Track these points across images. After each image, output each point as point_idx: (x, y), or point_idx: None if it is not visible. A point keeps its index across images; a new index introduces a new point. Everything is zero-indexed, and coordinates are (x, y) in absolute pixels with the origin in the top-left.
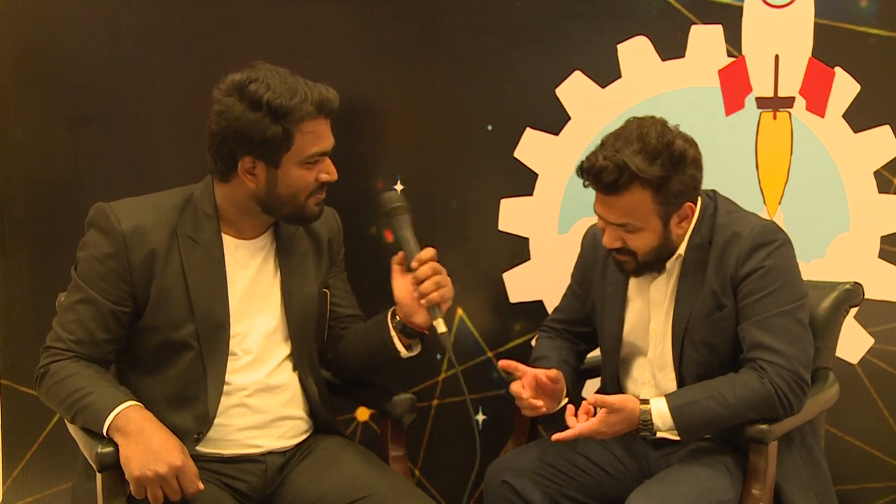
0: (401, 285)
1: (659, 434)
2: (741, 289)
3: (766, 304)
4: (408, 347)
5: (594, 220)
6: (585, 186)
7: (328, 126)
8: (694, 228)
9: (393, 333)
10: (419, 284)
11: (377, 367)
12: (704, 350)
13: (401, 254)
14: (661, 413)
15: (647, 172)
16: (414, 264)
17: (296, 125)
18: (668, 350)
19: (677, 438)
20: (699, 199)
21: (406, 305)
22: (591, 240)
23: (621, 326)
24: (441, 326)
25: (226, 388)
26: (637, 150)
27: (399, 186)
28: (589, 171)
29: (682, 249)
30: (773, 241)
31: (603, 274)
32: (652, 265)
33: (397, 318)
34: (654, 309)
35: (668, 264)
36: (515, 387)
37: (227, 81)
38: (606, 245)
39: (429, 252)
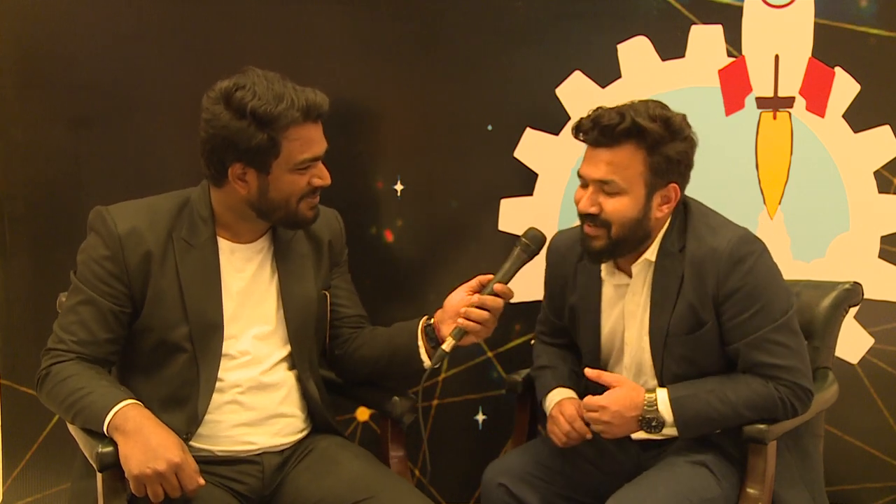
0: (459, 295)
1: (665, 429)
2: (725, 309)
3: (757, 322)
4: (430, 356)
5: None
6: (580, 139)
7: (318, 130)
8: (665, 233)
9: (420, 343)
10: (474, 306)
11: (393, 372)
12: (685, 364)
13: (488, 277)
14: (664, 402)
15: (647, 126)
16: (496, 287)
17: (282, 132)
18: (647, 360)
19: (675, 435)
20: (680, 187)
21: (447, 312)
22: (555, 250)
23: (598, 337)
24: (448, 346)
25: (218, 384)
26: (639, 111)
27: (399, 186)
28: (588, 118)
29: (653, 255)
30: (750, 254)
31: (574, 287)
32: (622, 248)
33: (431, 321)
34: (629, 318)
35: (635, 269)
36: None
37: (216, 89)
38: (581, 210)
39: (508, 295)
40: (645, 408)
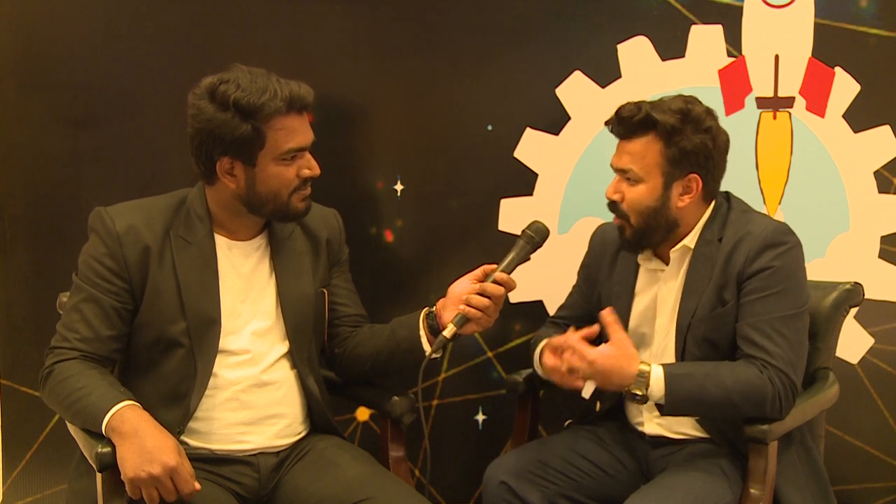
0: (463, 284)
1: (649, 402)
2: (745, 285)
3: (767, 305)
4: (432, 346)
5: (594, 220)
6: (611, 130)
7: (304, 122)
8: (706, 224)
9: (422, 332)
10: (476, 294)
11: (394, 365)
12: (705, 346)
13: (493, 266)
14: (657, 378)
15: (661, 118)
16: (496, 276)
17: (265, 122)
18: (671, 346)
19: (659, 409)
20: (702, 178)
21: (449, 299)
22: (599, 237)
23: (626, 323)
24: (448, 332)
25: (218, 382)
26: (660, 104)
27: (399, 186)
28: (615, 114)
29: (692, 243)
30: (784, 243)
31: (611, 271)
32: (650, 236)
33: (433, 310)
34: (661, 304)
35: (674, 255)
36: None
37: (201, 85)
38: (606, 196)
39: (510, 284)
40: (636, 379)
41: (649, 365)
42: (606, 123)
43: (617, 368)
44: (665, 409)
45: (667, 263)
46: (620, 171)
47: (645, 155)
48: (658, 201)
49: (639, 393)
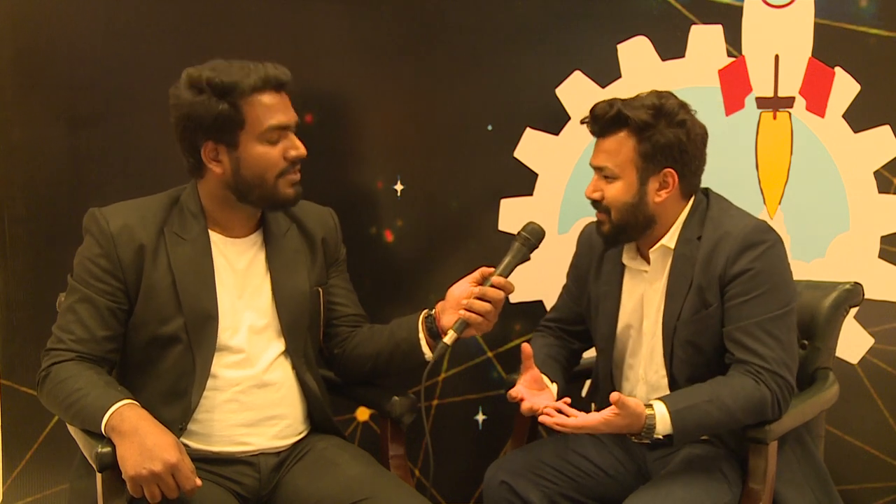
0: (462, 287)
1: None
2: (729, 289)
3: (753, 308)
4: (431, 349)
5: (594, 220)
6: (590, 131)
7: (283, 100)
8: (685, 222)
9: (421, 335)
10: (475, 298)
11: (394, 367)
12: (690, 349)
13: (491, 269)
14: (662, 417)
15: (633, 114)
16: (494, 280)
17: (242, 99)
18: (659, 348)
19: (669, 439)
20: (678, 175)
21: (448, 302)
22: (586, 238)
23: (615, 325)
24: (449, 338)
25: (218, 382)
26: (632, 101)
27: (399, 186)
28: (590, 112)
29: (671, 242)
30: (763, 242)
31: (598, 272)
32: (629, 231)
33: (432, 313)
34: (647, 306)
35: (653, 255)
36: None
37: (180, 78)
38: (586, 195)
39: (508, 288)
40: (643, 431)
41: (653, 408)
42: (582, 122)
43: (626, 428)
44: (676, 440)
45: (649, 263)
46: (598, 169)
47: (619, 152)
48: (635, 197)
49: (645, 435)
